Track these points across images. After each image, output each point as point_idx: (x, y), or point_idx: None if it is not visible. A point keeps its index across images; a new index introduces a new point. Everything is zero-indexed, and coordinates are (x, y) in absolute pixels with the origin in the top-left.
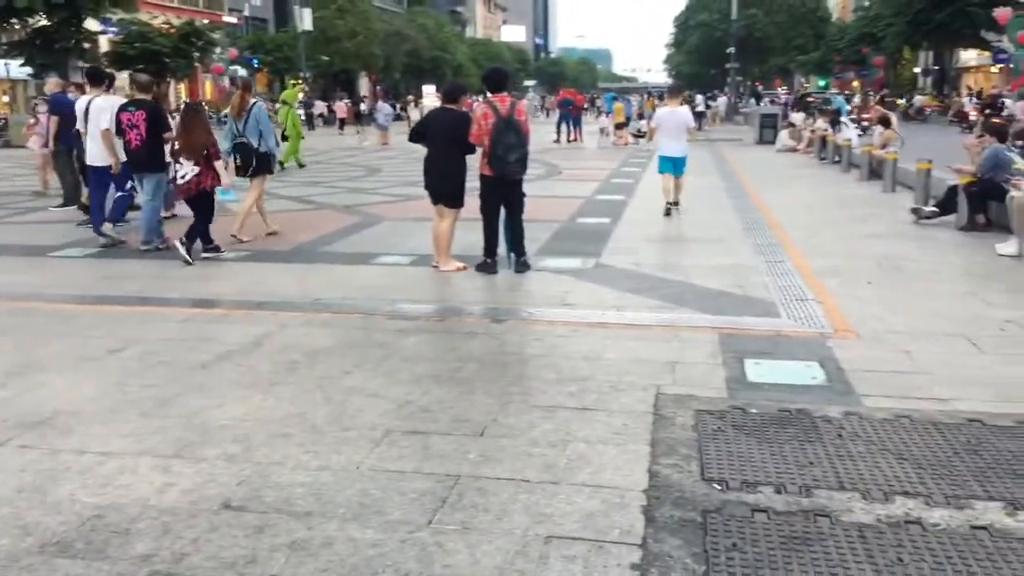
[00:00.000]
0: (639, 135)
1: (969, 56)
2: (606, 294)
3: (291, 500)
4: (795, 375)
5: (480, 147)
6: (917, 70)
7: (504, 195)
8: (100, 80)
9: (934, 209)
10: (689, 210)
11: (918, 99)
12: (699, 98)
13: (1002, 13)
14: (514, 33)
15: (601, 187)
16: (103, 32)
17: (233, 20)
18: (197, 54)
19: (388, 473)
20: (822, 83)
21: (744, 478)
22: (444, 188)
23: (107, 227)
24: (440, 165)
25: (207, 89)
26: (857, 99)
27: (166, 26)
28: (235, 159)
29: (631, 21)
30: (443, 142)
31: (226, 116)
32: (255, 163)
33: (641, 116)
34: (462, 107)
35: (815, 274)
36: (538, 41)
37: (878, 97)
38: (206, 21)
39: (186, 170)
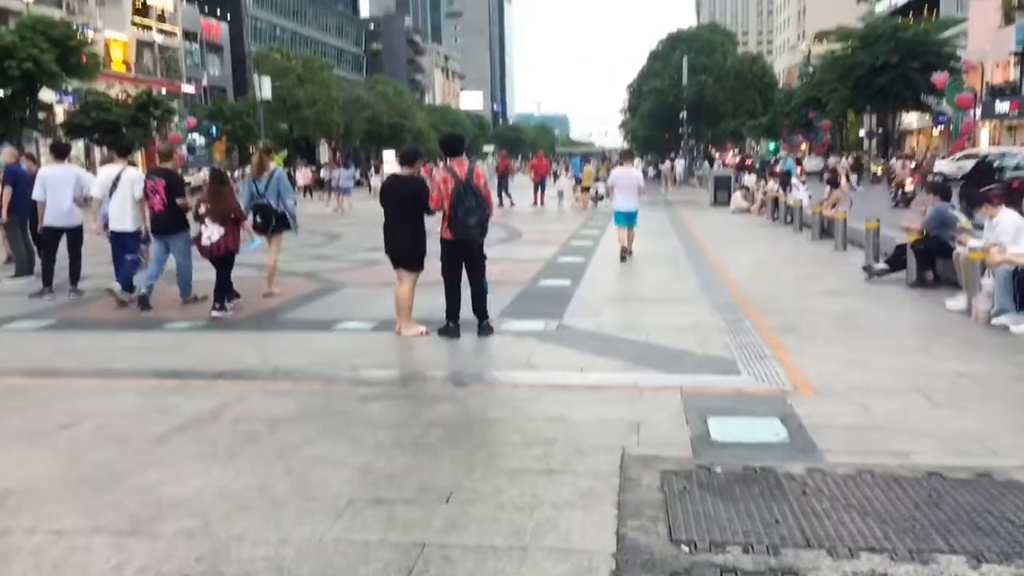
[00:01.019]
0: (598, 198)
1: (911, 119)
2: (569, 355)
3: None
4: (758, 432)
5: (440, 211)
6: (863, 132)
7: (465, 258)
8: (127, 151)
9: (885, 266)
10: (648, 271)
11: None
12: (637, 161)
13: (939, 77)
14: (472, 100)
15: (561, 249)
16: (59, 102)
17: (191, 90)
18: (155, 123)
19: (352, 544)
20: (772, 146)
21: (712, 539)
22: (403, 252)
23: (115, 287)
24: (398, 229)
25: None
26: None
27: (123, 95)
28: (255, 218)
29: (587, 87)
30: (400, 206)
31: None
32: (274, 222)
33: (598, 179)
34: (418, 171)
35: (773, 331)
36: (496, 108)
37: (853, 159)
38: (164, 91)
39: (211, 231)
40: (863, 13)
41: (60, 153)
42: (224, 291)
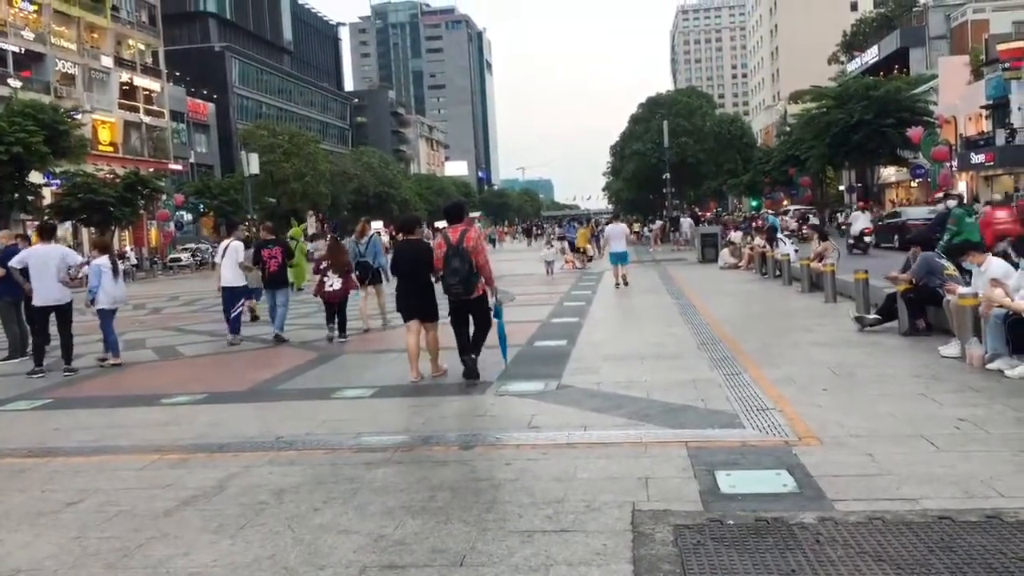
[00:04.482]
0: (588, 259)
1: (890, 172)
2: (571, 414)
3: None
4: (766, 483)
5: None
6: (842, 187)
7: (467, 313)
8: (234, 228)
9: (876, 317)
10: (644, 328)
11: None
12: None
13: (915, 132)
14: (457, 168)
15: (555, 311)
16: (46, 184)
17: (179, 167)
18: (142, 202)
19: None
20: (754, 203)
21: None
22: (420, 306)
23: (231, 337)
24: (409, 288)
25: (152, 235)
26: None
27: (111, 176)
28: (357, 272)
29: (569, 152)
30: (409, 268)
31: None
32: (372, 276)
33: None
34: (419, 236)
35: (772, 384)
36: (481, 175)
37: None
38: (151, 170)
39: (332, 281)
40: (835, 73)
41: (47, 233)
42: (342, 326)
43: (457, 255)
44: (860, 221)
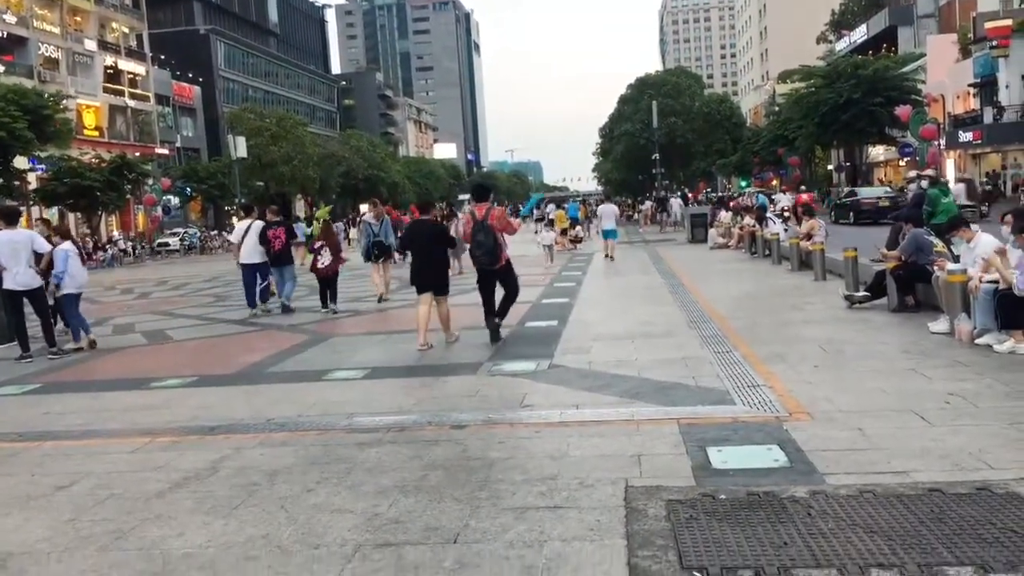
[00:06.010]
0: (576, 240)
1: (878, 151)
2: (563, 393)
3: None
4: (757, 459)
5: (467, 243)
6: (831, 167)
7: (493, 280)
8: (251, 210)
9: (865, 294)
10: (635, 308)
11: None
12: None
13: (903, 111)
14: (446, 151)
15: (545, 291)
16: (32, 170)
17: (165, 152)
18: (129, 186)
19: None
20: (743, 183)
21: (723, 563)
22: (433, 281)
23: (259, 307)
24: (422, 263)
25: (139, 220)
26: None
27: (96, 161)
28: (373, 250)
29: (558, 133)
30: (420, 245)
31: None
32: (386, 253)
33: (576, 223)
34: (434, 216)
35: (762, 361)
36: (470, 157)
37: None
38: (138, 154)
39: (326, 259)
40: (824, 52)
41: (10, 218)
42: (333, 298)
43: (482, 230)
44: (783, 201)
